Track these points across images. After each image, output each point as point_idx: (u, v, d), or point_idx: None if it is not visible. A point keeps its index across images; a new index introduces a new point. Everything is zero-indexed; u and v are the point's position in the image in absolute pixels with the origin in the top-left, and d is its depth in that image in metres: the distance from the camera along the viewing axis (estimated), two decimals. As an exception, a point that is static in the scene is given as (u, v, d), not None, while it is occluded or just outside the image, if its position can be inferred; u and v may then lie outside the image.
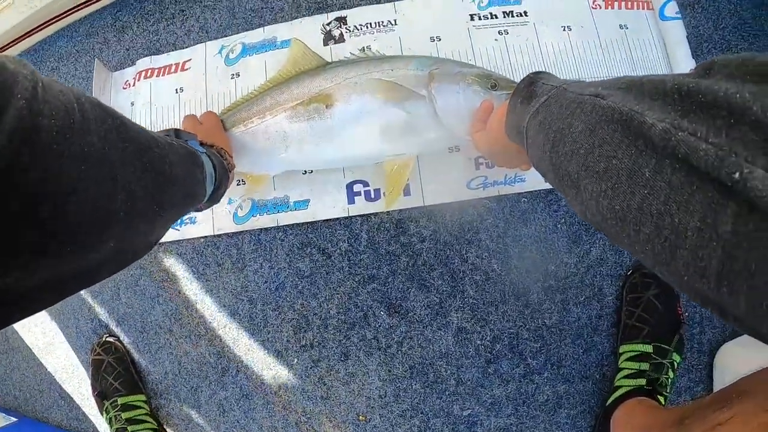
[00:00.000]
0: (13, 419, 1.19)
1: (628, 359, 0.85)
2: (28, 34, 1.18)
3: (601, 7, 0.97)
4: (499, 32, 0.95)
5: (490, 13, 0.96)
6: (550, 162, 0.46)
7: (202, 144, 0.71)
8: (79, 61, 1.11)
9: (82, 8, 1.11)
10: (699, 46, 0.96)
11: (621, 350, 0.87)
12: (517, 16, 0.96)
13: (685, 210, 0.29)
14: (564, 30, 0.95)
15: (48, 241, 0.33)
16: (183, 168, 0.56)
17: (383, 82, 0.79)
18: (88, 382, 1.07)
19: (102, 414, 1.00)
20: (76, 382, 1.10)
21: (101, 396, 1.01)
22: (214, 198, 0.71)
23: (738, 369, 0.86)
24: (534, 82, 0.58)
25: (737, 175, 0.25)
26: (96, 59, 1.02)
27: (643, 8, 0.99)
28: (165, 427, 1.00)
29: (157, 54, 1.02)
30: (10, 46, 1.18)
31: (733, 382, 0.53)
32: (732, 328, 0.88)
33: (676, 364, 0.84)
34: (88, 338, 1.07)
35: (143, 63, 1.02)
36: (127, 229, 0.42)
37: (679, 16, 0.95)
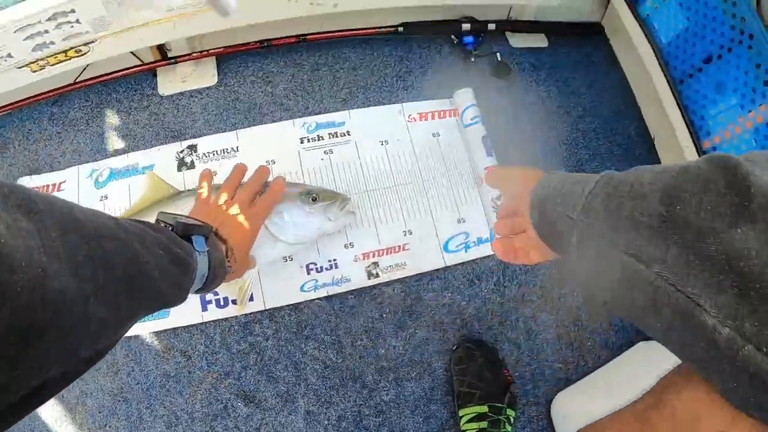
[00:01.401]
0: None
1: (468, 421, 0.98)
2: None
3: (415, 120, 1.15)
4: (324, 152, 1.12)
5: (318, 136, 1.13)
6: (627, 315, 0.44)
7: (212, 235, 0.68)
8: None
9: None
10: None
11: (460, 414, 1.00)
12: (340, 136, 1.13)
13: None
14: (382, 144, 1.13)
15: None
16: (164, 282, 0.52)
17: None
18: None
19: None
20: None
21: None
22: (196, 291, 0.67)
23: (574, 413, 0.99)
24: (543, 212, 0.54)
25: None
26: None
27: (452, 116, 1.17)
28: None
29: (37, 174, 1.16)
30: None
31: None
32: (564, 379, 1.05)
33: (512, 418, 0.98)
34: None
35: (24, 181, 1.16)
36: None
37: (476, 120, 1.14)
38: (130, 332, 1.06)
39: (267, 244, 0.96)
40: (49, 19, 0.98)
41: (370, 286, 1.06)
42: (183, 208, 0.98)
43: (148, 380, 1.06)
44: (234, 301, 1.04)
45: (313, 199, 0.97)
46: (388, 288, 1.08)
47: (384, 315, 1.06)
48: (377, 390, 1.04)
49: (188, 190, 1.05)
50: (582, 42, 1.40)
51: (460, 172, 1.14)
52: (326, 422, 1.03)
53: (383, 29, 1.22)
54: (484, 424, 0.97)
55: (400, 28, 1.22)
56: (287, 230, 0.96)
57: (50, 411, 1.10)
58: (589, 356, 1.06)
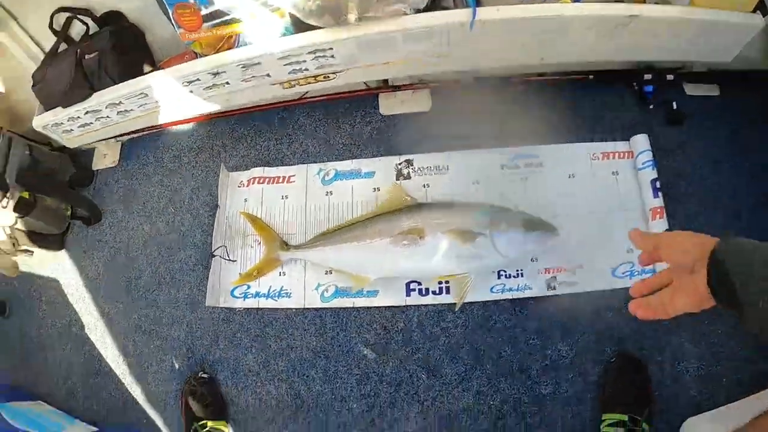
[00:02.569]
0: (94, 429, 1.45)
1: (608, 425, 1.14)
2: (160, 126, 1.50)
3: (598, 159, 1.35)
4: (521, 179, 1.33)
5: (516, 164, 1.34)
6: None
7: None
8: (199, 155, 1.44)
9: (208, 118, 1.44)
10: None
11: (603, 417, 1.17)
12: (535, 166, 1.34)
13: None
14: (569, 177, 1.33)
15: None
16: None
17: (458, 231, 1.16)
18: (173, 407, 1.36)
19: (186, 433, 1.29)
20: (162, 406, 1.38)
21: (191, 419, 1.29)
22: None
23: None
24: (724, 280, 0.59)
25: None
26: (222, 163, 1.36)
27: (629, 158, 1.35)
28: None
29: (269, 166, 1.37)
30: (146, 131, 1.50)
31: None
32: (695, 406, 1.18)
33: (646, 432, 1.12)
34: (182, 373, 1.37)
35: (257, 171, 1.37)
36: None
37: (648, 165, 1.30)
38: (341, 304, 1.25)
39: (490, 257, 1.16)
40: (309, 53, 1.18)
41: (547, 296, 1.27)
42: (423, 220, 1.19)
43: (350, 344, 1.26)
44: (434, 292, 1.23)
45: (532, 229, 1.17)
46: (561, 300, 1.28)
47: (554, 322, 1.26)
48: (539, 383, 1.24)
49: (427, 203, 1.27)
50: (754, 90, 1.42)
51: (632, 208, 1.31)
52: (491, 402, 1.24)
53: (577, 76, 1.41)
54: (621, 431, 1.14)
55: (591, 76, 1.39)
56: (510, 250, 1.17)
57: (254, 356, 1.29)
58: (722, 391, 1.17)
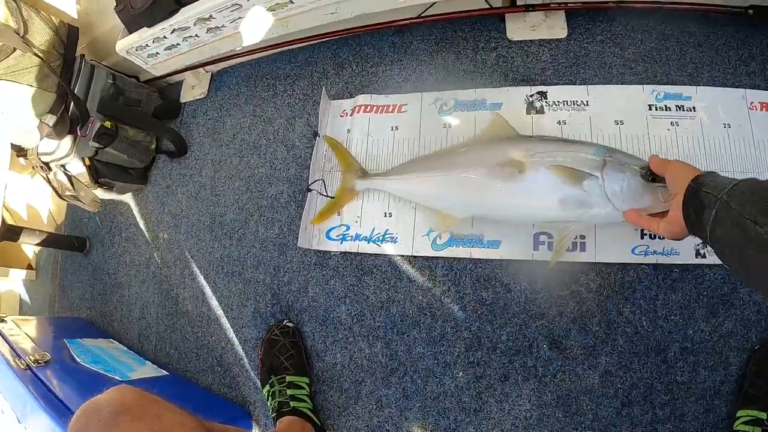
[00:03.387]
0: (164, 373, 1.36)
1: (744, 423, 0.97)
2: (250, 53, 1.37)
3: (757, 109, 1.11)
4: (671, 123, 1.11)
5: (665, 106, 1.12)
6: (742, 274, 0.63)
7: None
8: (296, 83, 1.30)
9: (304, 42, 1.30)
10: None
11: (738, 414, 0.99)
12: (687, 110, 1.12)
13: None
14: (725, 127, 1.10)
15: None
16: None
17: (564, 168, 0.95)
18: (250, 355, 1.24)
19: (263, 386, 1.16)
20: (238, 354, 1.27)
21: (270, 370, 1.16)
22: None
23: None
24: (697, 192, 0.71)
25: None
26: (323, 88, 1.21)
27: None
28: (319, 410, 1.15)
29: (377, 93, 1.20)
30: (236, 57, 1.38)
31: None
32: None
33: (786, 435, 0.97)
34: (265, 320, 1.24)
35: (363, 98, 1.21)
36: None
37: None
38: (455, 254, 1.08)
39: (598, 206, 0.95)
40: None
41: (695, 265, 1.06)
42: (526, 151, 0.99)
43: (462, 302, 1.08)
44: (567, 248, 1.03)
45: (652, 179, 0.93)
46: (710, 271, 1.06)
47: (701, 297, 1.05)
48: (674, 369, 1.04)
49: (533, 136, 1.07)
50: None
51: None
52: (619, 385, 1.04)
53: (732, 8, 1.16)
54: (758, 430, 0.95)
55: (750, 11, 1.15)
56: (620, 197, 0.94)
57: (347, 308, 1.15)
58: None
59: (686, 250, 1.05)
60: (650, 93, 1.13)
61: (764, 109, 1.12)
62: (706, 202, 0.68)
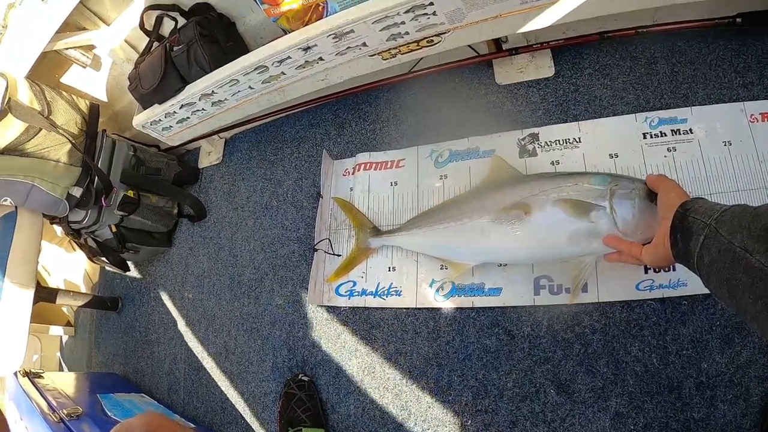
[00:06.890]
0: (192, 426, 1.42)
1: None
2: (257, 119, 1.47)
3: (758, 121, 1.08)
4: (668, 149, 1.10)
5: (660, 132, 1.12)
6: (730, 302, 0.60)
7: None
8: (301, 146, 1.38)
9: (307, 106, 1.38)
10: None
11: None
12: (683, 133, 1.11)
13: None
14: (725, 145, 1.08)
15: None
16: None
17: (571, 201, 0.96)
18: (271, 408, 1.29)
19: (282, 437, 1.21)
20: (260, 407, 1.32)
21: (288, 423, 1.20)
22: None
23: None
24: (685, 217, 0.69)
25: None
26: (324, 150, 1.28)
27: None
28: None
29: (375, 151, 1.26)
30: (246, 123, 1.48)
31: None
32: None
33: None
34: (283, 374, 1.29)
35: (363, 156, 1.27)
36: None
37: None
38: (458, 304, 1.11)
39: (610, 234, 0.95)
40: (406, 12, 1.04)
41: (705, 295, 1.04)
42: (529, 192, 1.01)
43: (467, 351, 1.11)
44: (567, 290, 1.04)
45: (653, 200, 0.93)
46: (721, 301, 1.04)
47: (713, 327, 1.04)
48: (690, 405, 1.02)
49: (533, 174, 1.09)
50: None
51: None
52: (632, 427, 1.03)
53: (719, 20, 1.13)
54: None
55: (738, 19, 1.11)
56: (634, 224, 0.93)
57: (358, 361, 1.18)
58: None
59: (694, 280, 1.02)
60: (643, 121, 1.13)
61: (765, 119, 1.08)
62: (694, 228, 0.67)
